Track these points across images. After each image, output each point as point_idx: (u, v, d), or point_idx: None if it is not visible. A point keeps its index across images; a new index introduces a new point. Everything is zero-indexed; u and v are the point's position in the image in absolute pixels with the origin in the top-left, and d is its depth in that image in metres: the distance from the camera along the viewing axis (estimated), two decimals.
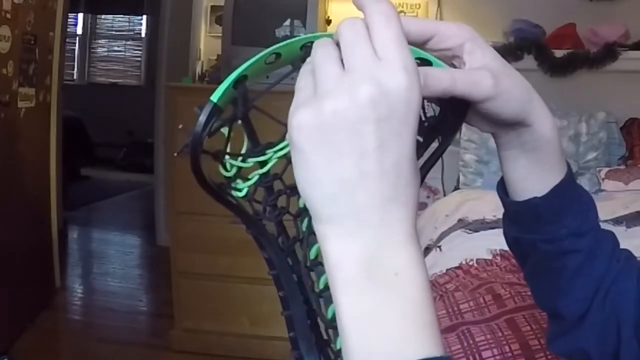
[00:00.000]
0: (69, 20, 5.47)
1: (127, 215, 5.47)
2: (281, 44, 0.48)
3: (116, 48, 7.76)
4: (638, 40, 2.97)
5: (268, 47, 0.48)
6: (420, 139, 0.51)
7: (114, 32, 7.76)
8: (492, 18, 3.09)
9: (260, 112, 0.49)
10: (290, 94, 0.44)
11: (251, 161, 0.48)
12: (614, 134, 2.95)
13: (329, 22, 3.14)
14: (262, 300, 2.61)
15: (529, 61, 2.99)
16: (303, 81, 0.43)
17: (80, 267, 4.13)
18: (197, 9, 3.53)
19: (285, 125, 0.43)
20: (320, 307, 0.49)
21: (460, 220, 2.31)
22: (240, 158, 0.48)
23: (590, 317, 0.60)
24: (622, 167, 2.86)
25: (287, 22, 2.83)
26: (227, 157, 0.48)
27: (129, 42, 7.73)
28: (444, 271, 1.81)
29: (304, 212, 0.49)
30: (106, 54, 7.78)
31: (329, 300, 0.47)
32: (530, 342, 1.24)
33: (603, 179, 2.75)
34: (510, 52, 2.97)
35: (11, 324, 2.70)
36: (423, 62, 0.49)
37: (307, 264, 0.50)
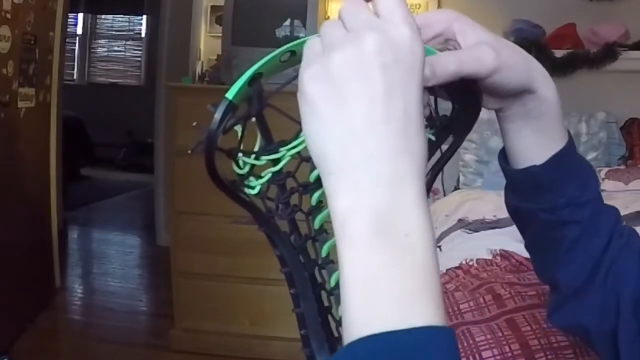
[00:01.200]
0: (69, 20, 5.47)
1: (127, 215, 5.47)
2: (296, 41, 0.48)
3: (116, 48, 7.76)
4: (638, 40, 2.97)
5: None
6: (433, 138, 0.51)
7: (114, 32, 7.76)
8: (492, 18, 3.09)
9: (273, 110, 0.49)
10: None
11: (264, 159, 0.48)
12: (614, 134, 2.95)
13: None
14: (262, 300, 2.61)
15: None
16: (311, 48, 0.44)
17: (80, 267, 4.13)
18: (197, 9, 3.53)
19: (299, 123, 0.44)
20: (332, 304, 0.49)
21: (460, 220, 2.31)
22: (253, 156, 0.48)
23: (590, 294, 0.60)
24: (622, 167, 2.86)
25: (287, 22, 2.83)
26: (240, 154, 0.48)
27: (129, 42, 7.73)
28: (444, 271, 1.81)
29: (316, 210, 0.49)
30: (106, 54, 7.78)
31: (340, 298, 0.47)
32: (530, 342, 1.24)
33: (603, 179, 2.75)
34: None
35: (11, 324, 2.70)
36: None
37: (319, 262, 0.50)
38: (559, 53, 2.97)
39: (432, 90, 0.50)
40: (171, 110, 2.91)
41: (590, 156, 2.87)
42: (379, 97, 0.39)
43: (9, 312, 2.66)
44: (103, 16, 7.73)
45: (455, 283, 1.69)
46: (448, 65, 0.46)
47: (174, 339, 2.76)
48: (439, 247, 2.13)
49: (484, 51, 0.49)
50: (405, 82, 0.40)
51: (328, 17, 3.14)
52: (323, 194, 0.45)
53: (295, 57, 0.49)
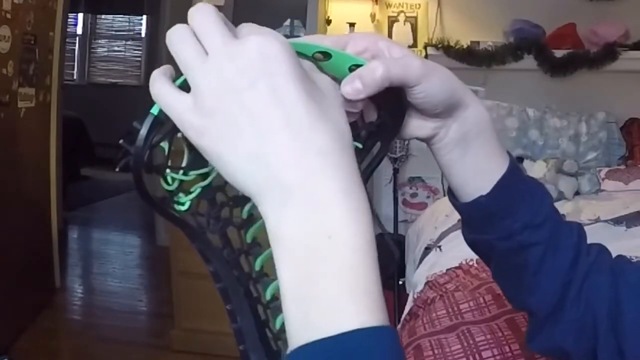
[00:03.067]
0: (69, 20, 5.47)
1: (127, 215, 5.47)
2: None
3: (116, 48, 7.75)
4: (638, 40, 2.97)
5: None
6: (360, 146, 0.51)
7: (114, 32, 7.76)
8: (492, 18, 3.09)
9: None
10: None
11: (193, 174, 0.47)
12: (614, 134, 2.95)
13: (329, 22, 3.13)
14: None
15: (529, 61, 2.99)
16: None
17: (80, 267, 4.12)
18: None
19: None
20: (268, 318, 0.49)
21: (460, 220, 2.31)
22: (181, 171, 0.47)
23: (565, 315, 0.60)
24: (622, 167, 2.87)
25: (287, 22, 2.83)
26: (168, 170, 0.46)
27: (129, 42, 7.73)
28: (444, 271, 1.81)
29: (248, 223, 0.49)
30: (106, 54, 7.78)
31: (277, 311, 0.47)
32: None
33: (603, 179, 2.75)
34: (510, 52, 2.97)
35: (11, 324, 2.70)
36: (358, 67, 0.49)
37: (253, 276, 0.49)
38: (559, 53, 2.97)
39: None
40: None
41: (590, 156, 2.87)
42: (261, 111, 0.39)
43: (9, 312, 2.66)
44: (103, 16, 7.73)
45: (455, 283, 1.69)
46: (376, 71, 0.46)
47: (174, 339, 2.76)
48: (439, 247, 2.13)
49: (410, 58, 0.49)
50: (274, 88, 0.39)
51: (328, 17, 3.14)
52: (254, 207, 0.45)
53: None
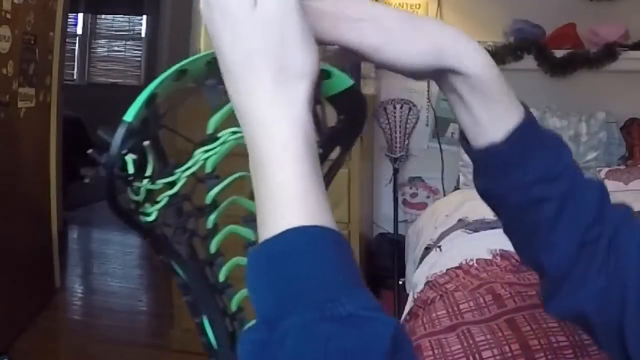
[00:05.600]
0: (69, 20, 5.47)
1: None
2: (187, 60, 0.49)
3: (116, 48, 7.75)
4: (638, 40, 2.97)
5: None
6: (321, 150, 0.51)
7: (114, 32, 7.76)
8: (492, 18, 3.09)
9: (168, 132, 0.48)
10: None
11: (160, 182, 0.47)
12: (614, 134, 2.95)
13: None
14: None
15: (529, 61, 2.99)
16: None
17: (80, 267, 4.13)
18: (197, 9, 3.52)
19: (194, 143, 0.48)
20: (235, 330, 0.49)
21: (460, 220, 2.31)
22: (146, 180, 0.46)
23: (589, 281, 0.55)
24: (622, 167, 2.87)
25: None
26: (136, 181, 0.46)
27: (129, 42, 7.72)
28: (444, 271, 1.81)
29: (212, 233, 0.50)
30: (106, 54, 7.78)
31: (244, 321, 0.48)
32: (530, 342, 1.24)
33: (603, 179, 2.75)
34: (510, 52, 2.96)
35: (11, 324, 2.70)
36: (322, 72, 0.50)
37: (217, 287, 0.49)
38: (559, 53, 2.97)
39: (319, 102, 0.51)
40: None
41: (590, 156, 2.87)
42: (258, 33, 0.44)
43: (9, 312, 2.66)
44: (103, 16, 7.73)
45: (455, 283, 1.69)
46: (327, 32, 0.49)
47: (174, 339, 2.76)
48: (439, 247, 2.13)
49: (366, 28, 0.50)
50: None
51: None
52: (218, 217, 0.47)
53: (187, 76, 0.48)
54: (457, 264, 1.83)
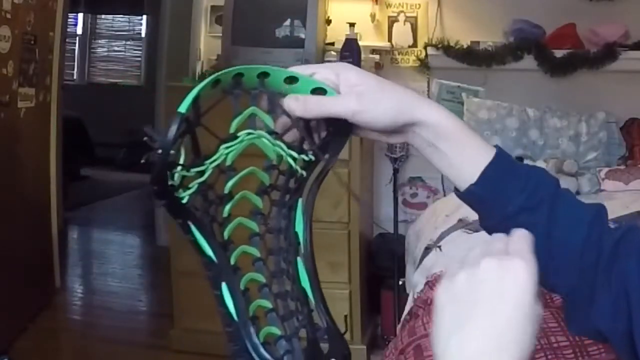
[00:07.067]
0: (69, 20, 5.47)
1: (127, 215, 5.47)
2: (221, 72, 0.56)
3: (116, 48, 7.75)
4: (638, 40, 2.97)
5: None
6: (313, 158, 0.58)
7: (114, 32, 7.76)
8: (492, 18, 3.09)
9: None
10: None
11: (193, 171, 0.53)
12: (614, 134, 2.94)
13: (329, 22, 3.13)
14: None
15: (529, 61, 2.99)
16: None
17: (80, 267, 4.13)
18: (197, 9, 3.52)
19: (218, 138, 0.53)
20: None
21: (460, 220, 2.31)
22: (179, 167, 0.52)
23: (598, 297, 0.58)
24: (622, 167, 2.86)
25: (287, 22, 2.83)
26: (179, 167, 0.52)
27: (129, 42, 7.73)
28: (444, 271, 1.81)
29: (226, 221, 0.55)
30: (106, 54, 7.78)
31: (250, 302, 0.53)
32: None
33: (603, 179, 2.75)
34: (510, 52, 2.96)
35: (11, 324, 2.70)
36: (319, 90, 0.60)
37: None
38: (559, 53, 2.97)
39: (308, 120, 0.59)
40: (171, 110, 2.90)
41: (590, 156, 2.87)
42: (497, 328, 0.45)
43: (9, 312, 2.65)
44: (103, 16, 7.73)
45: None
46: (295, 110, 0.57)
47: (174, 339, 2.76)
48: (439, 247, 2.13)
49: (347, 99, 0.59)
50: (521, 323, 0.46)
51: (328, 17, 3.14)
52: (232, 207, 0.54)
53: (220, 84, 0.57)
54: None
